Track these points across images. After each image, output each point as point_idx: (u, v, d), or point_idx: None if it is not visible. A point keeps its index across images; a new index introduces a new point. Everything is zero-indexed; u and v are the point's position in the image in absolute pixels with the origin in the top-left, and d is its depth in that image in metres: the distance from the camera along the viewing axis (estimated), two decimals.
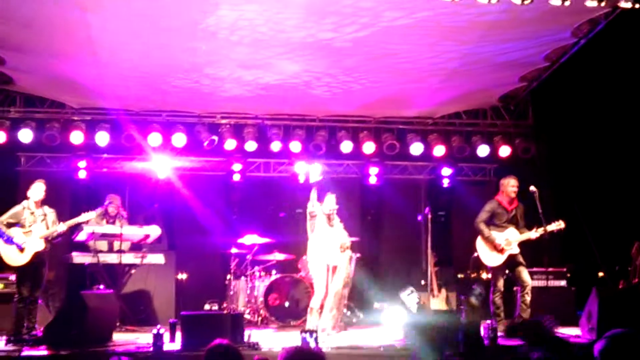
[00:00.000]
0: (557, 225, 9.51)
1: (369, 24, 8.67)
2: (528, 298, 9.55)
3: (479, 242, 9.74)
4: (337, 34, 9.06)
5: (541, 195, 9.53)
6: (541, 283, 10.15)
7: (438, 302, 11.23)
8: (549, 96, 11.78)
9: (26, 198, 9.31)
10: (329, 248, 9.52)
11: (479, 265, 10.00)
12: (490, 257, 9.66)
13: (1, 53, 9.70)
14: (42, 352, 7.95)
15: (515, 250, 9.60)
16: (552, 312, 9.25)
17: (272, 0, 8.15)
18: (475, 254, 9.86)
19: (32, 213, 9.20)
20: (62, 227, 9.35)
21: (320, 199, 9.63)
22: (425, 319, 8.30)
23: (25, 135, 11.44)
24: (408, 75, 10.55)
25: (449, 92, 11.43)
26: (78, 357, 7.51)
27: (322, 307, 9.39)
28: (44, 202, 9.38)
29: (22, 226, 9.11)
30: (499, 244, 9.53)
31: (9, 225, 9.09)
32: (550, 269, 10.34)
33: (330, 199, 9.69)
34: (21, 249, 9.03)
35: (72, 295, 10.22)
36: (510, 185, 9.68)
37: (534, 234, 9.52)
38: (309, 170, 9.53)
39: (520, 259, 9.65)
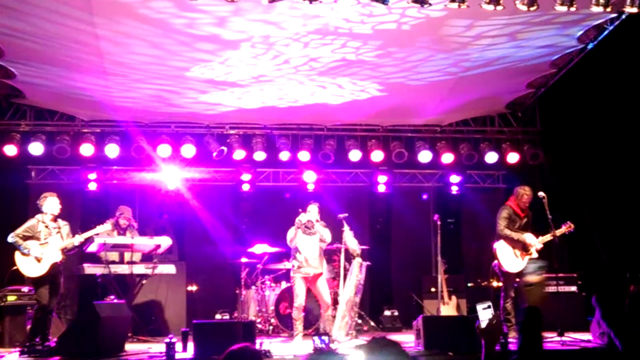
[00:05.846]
0: (568, 227, 9.59)
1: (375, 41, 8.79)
2: None
3: (500, 249, 9.69)
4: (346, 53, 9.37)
5: (549, 201, 9.55)
6: (551, 289, 10.14)
7: (449, 309, 11.24)
8: (557, 102, 11.78)
9: (38, 211, 9.37)
10: (307, 258, 9.64)
11: (496, 273, 9.97)
12: (511, 264, 9.64)
13: (12, 67, 9.80)
14: None
15: (535, 255, 9.63)
16: (562, 318, 9.30)
17: (293, 24, 8.43)
18: (496, 262, 9.82)
19: (47, 226, 9.26)
20: (78, 239, 9.42)
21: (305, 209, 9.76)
22: None
23: (36, 148, 11.52)
24: (415, 83, 10.59)
25: (457, 100, 11.45)
26: None
27: (334, 315, 9.46)
28: (56, 215, 9.46)
29: (37, 239, 9.16)
30: (530, 244, 9.54)
31: (25, 238, 9.15)
32: (560, 275, 10.32)
33: (313, 209, 9.78)
34: (39, 260, 9.09)
35: (84, 306, 10.28)
36: (524, 195, 9.67)
37: (549, 237, 9.54)
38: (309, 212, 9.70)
39: None
